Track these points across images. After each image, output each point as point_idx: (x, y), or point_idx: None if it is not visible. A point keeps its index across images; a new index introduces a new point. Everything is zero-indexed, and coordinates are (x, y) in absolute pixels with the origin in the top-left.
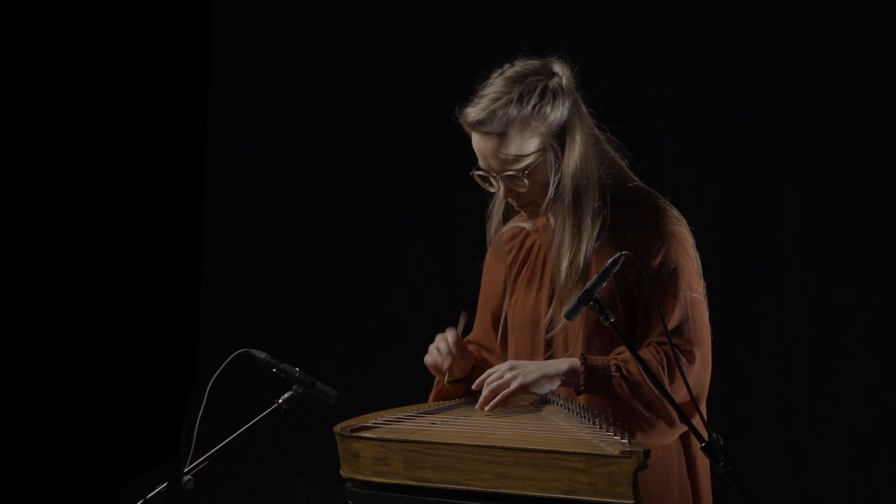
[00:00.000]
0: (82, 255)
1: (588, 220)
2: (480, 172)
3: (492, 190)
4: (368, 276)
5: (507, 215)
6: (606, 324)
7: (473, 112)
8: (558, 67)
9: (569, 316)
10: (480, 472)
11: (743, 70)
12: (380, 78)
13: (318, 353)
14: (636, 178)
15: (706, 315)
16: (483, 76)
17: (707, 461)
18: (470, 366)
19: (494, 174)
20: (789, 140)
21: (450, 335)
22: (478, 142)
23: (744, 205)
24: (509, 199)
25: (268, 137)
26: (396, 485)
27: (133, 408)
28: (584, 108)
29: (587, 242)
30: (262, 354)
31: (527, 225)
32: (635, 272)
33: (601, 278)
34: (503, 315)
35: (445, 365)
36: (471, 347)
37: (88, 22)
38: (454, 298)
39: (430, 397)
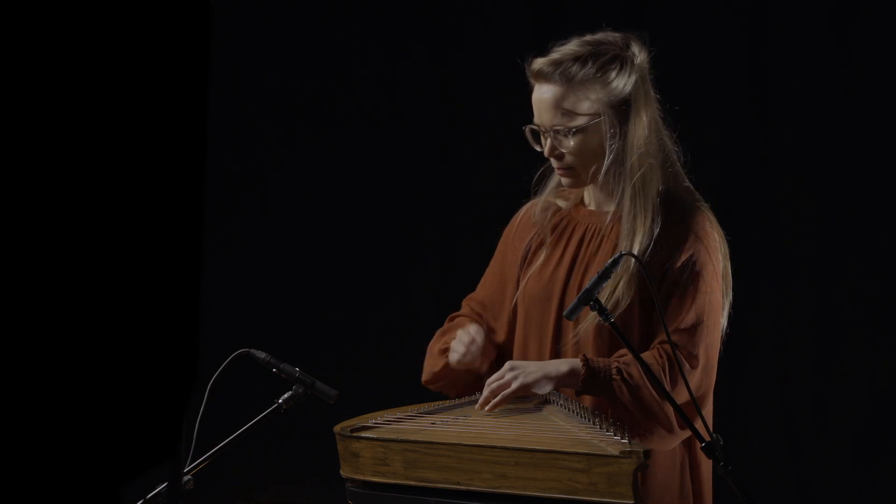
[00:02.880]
0: (83, 255)
1: (650, 207)
2: (532, 127)
3: (537, 148)
4: (368, 277)
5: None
6: (607, 324)
7: (540, 61)
8: (635, 45)
9: (568, 316)
10: (480, 472)
11: (743, 70)
12: (380, 78)
13: (318, 353)
14: (686, 179)
15: (720, 321)
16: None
17: (710, 468)
18: (487, 364)
19: (544, 130)
20: (790, 140)
21: (478, 336)
22: (536, 92)
23: (743, 205)
24: (552, 159)
25: (267, 138)
26: (396, 485)
27: (133, 408)
28: (653, 92)
29: (649, 229)
30: (262, 354)
31: (560, 202)
32: (659, 268)
33: (601, 278)
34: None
35: (477, 364)
36: (473, 308)
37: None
38: (454, 299)
39: (426, 374)
